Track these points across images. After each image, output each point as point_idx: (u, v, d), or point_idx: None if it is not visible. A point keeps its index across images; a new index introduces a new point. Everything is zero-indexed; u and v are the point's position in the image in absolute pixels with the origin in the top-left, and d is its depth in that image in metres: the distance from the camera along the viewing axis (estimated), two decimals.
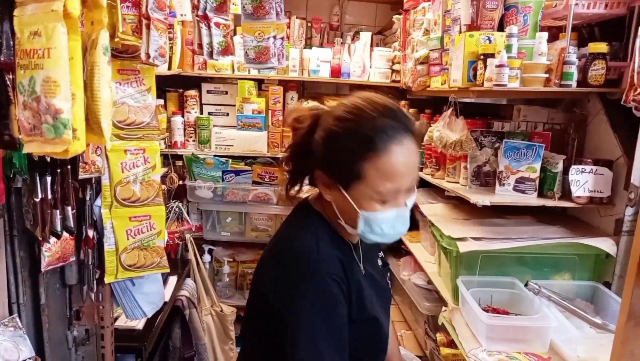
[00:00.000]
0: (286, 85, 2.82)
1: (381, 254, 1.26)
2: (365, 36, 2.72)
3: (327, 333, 0.90)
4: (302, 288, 0.91)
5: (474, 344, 1.47)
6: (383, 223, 0.93)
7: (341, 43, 2.75)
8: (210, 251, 2.90)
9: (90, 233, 1.42)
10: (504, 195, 1.80)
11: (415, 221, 2.65)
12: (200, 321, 2.53)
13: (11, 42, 0.69)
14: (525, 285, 1.58)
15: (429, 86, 2.29)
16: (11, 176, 1.06)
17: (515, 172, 1.82)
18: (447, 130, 1.88)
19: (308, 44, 2.90)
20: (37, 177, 1.10)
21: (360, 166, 0.90)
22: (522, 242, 1.66)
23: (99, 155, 1.30)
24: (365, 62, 2.71)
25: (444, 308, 1.74)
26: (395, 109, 0.93)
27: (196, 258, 2.66)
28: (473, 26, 1.79)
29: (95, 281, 1.50)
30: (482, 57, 1.69)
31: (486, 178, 1.93)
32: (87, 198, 1.40)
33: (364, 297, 1.01)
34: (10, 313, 1.35)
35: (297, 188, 1.09)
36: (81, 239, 1.43)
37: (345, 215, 0.97)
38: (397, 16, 2.63)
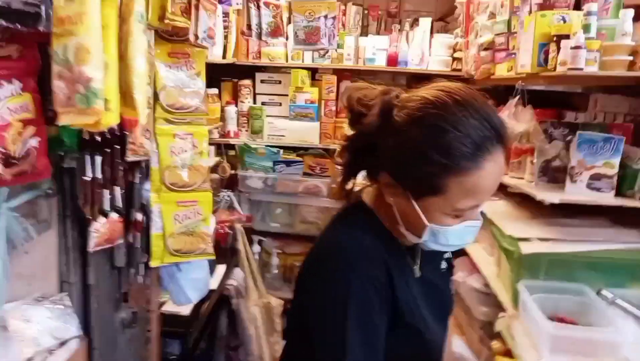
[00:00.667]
0: (340, 74, 2.74)
1: (448, 255, 1.10)
2: (425, 23, 2.59)
3: (359, 339, 0.82)
4: (337, 289, 0.83)
5: (535, 355, 1.33)
6: (451, 235, 0.84)
7: (399, 30, 2.64)
8: (259, 242, 2.89)
9: (139, 216, 1.43)
10: (576, 193, 1.62)
11: None
12: (247, 312, 2.52)
13: (50, 12, 0.67)
14: (597, 294, 1.41)
15: (493, 74, 2.13)
16: (62, 155, 1.07)
17: (590, 168, 1.63)
18: (512, 120, 1.73)
19: (364, 32, 2.80)
20: (87, 157, 1.10)
21: (442, 180, 0.77)
22: (596, 245, 1.49)
23: (147, 138, 1.29)
24: (425, 50, 2.58)
25: (501, 314, 1.60)
26: (491, 113, 0.78)
27: (245, 249, 2.66)
28: (546, 5, 1.63)
29: (143, 266, 1.50)
30: (555, 39, 1.53)
31: (555, 174, 1.75)
32: (137, 181, 1.40)
33: (414, 306, 0.91)
34: (61, 291, 1.38)
35: (350, 183, 0.96)
36: (130, 222, 1.43)
37: (407, 222, 0.87)
38: (460, 0, 2.48)
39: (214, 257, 1.52)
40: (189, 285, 1.60)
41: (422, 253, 0.96)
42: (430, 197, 0.80)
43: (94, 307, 1.43)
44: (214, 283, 2.22)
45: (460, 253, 2.48)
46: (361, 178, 0.98)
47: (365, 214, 0.93)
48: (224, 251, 2.61)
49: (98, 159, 1.11)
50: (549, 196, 1.56)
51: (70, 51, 0.58)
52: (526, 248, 1.46)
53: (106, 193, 1.15)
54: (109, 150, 1.13)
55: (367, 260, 0.85)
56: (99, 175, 1.13)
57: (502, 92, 2.35)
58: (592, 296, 1.45)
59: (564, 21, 1.54)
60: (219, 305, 2.37)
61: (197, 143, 1.45)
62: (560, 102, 2.11)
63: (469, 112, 0.75)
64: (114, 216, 1.23)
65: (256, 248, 2.87)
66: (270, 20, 1.23)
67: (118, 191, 1.19)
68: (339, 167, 0.97)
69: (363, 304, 0.82)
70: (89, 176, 1.11)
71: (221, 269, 2.40)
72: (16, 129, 0.74)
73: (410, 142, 0.79)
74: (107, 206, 1.17)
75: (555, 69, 1.52)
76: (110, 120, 0.60)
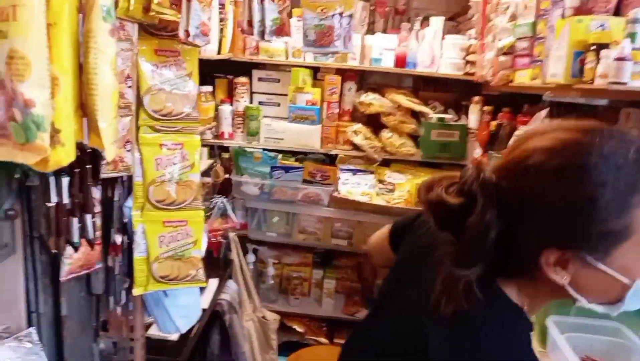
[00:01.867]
0: (344, 74, 2.56)
1: None
2: (437, 22, 2.41)
3: None
4: None
5: None
6: None
7: (409, 29, 2.46)
8: (254, 251, 2.72)
9: (119, 238, 1.25)
10: None
11: None
12: (241, 328, 2.35)
13: None
14: None
15: (512, 81, 1.96)
16: (17, 175, 0.89)
17: None
18: None
19: (370, 30, 2.62)
20: (52, 179, 0.91)
21: (630, 216, 0.61)
22: None
23: (128, 150, 1.11)
24: (436, 51, 2.41)
25: None
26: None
27: (239, 259, 2.48)
28: (582, 10, 1.46)
29: (123, 292, 1.33)
30: (593, 47, 1.37)
31: None
32: (116, 197, 1.22)
33: None
34: (29, 323, 1.20)
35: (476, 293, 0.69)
36: (108, 244, 1.26)
37: (592, 294, 0.68)
38: (475, 0, 2.30)
39: (205, 284, 1.35)
40: (177, 312, 1.43)
41: None
42: (622, 245, 0.62)
43: (68, 341, 1.26)
44: (205, 300, 2.04)
45: None
46: None
47: (512, 312, 0.71)
48: (217, 263, 2.44)
49: (64, 181, 0.93)
50: None
51: (1, 60, 0.40)
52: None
53: (74, 222, 0.97)
54: (77, 170, 0.94)
55: None
56: (67, 200, 0.94)
57: (520, 99, 2.20)
58: (630, 336, 1.30)
59: (603, 28, 1.38)
60: (211, 322, 2.20)
61: (187, 155, 1.27)
62: (584, 115, 1.95)
63: (609, 133, 0.63)
64: (85, 246, 1.05)
65: (251, 257, 2.70)
66: (276, 17, 1.05)
67: (89, 218, 1.01)
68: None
69: None
70: (53, 201, 0.92)
71: (213, 283, 2.22)
72: None
73: (555, 198, 0.63)
74: (75, 237, 0.99)
75: (593, 81, 1.35)
76: (62, 158, 0.43)
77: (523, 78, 1.86)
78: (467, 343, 0.69)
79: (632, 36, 1.29)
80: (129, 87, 1.05)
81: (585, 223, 0.62)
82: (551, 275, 0.65)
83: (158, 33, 1.12)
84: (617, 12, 1.43)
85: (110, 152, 0.47)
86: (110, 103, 0.46)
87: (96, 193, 1.09)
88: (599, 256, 0.63)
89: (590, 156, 0.62)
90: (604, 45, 1.34)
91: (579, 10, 1.48)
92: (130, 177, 1.23)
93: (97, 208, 1.14)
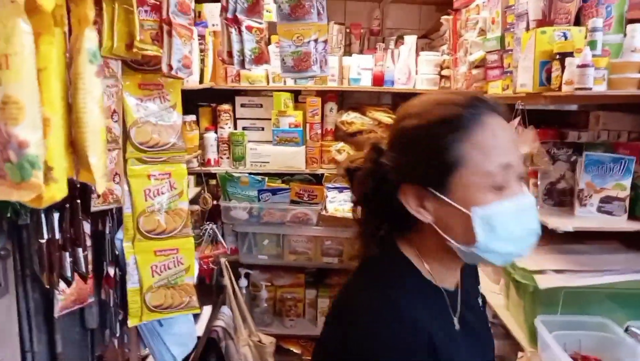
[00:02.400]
0: (325, 95, 2.62)
1: (479, 288, 0.98)
2: (410, 40, 2.50)
3: None
4: (379, 349, 0.71)
5: None
6: (507, 218, 0.72)
7: (384, 49, 2.54)
8: (246, 276, 2.72)
9: (111, 270, 1.26)
10: (587, 218, 1.52)
11: None
12: (237, 353, 2.34)
13: None
14: (625, 330, 1.29)
15: (486, 92, 2.03)
16: (8, 214, 0.90)
17: (600, 191, 1.54)
18: None
19: (347, 51, 2.70)
20: (43, 215, 0.93)
21: (457, 149, 0.72)
22: (616, 276, 1.38)
23: (117, 183, 1.13)
24: (411, 68, 2.48)
25: (520, 354, 1.47)
26: (472, 93, 0.83)
27: (232, 284, 2.48)
28: (545, 22, 1.54)
29: (118, 324, 1.33)
30: (558, 56, 1.44)
31: (561, 197, 1.65)
32: (107, 230, 1.24)
33: (460, 358, 0.79)
34: None
35: (374, 241, 0.85)
36: (101, 277, 1.27)
37: (454, 232, 0.75)
38: (445, 17, 2.39)
39: (199, 310, 1.36)
40: (173, 341, 1.43)
41: (461, 302, 0.85)
42: (454, 178, 0.72)
43: None
44: (199, 328, 2.04)
45: None
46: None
47: (403, 268, 0.81)
48: (209, 289, 2.43)
49: (55, 217, 0.95)
50: (560, 222, 1.46)
51: None
52: (543, 282, 1.34)
53: (66, 256, 0.98)
54: (67, 205, 0.96)
55: (405, 333, 0.72)
56: (58, 235, 0.96)
57: None
58: (616, 330, 1.33)
59: (565, 38, 1.45)
60: (207, 350, 2.19)
61: (175, 184, 1.30)
62: (556, 120, 2.02)
63: (455, 96, 0.77)
64: (78, 280, 1.06)
65: (243, 282, 2.70)
66: (254, 47, 1.09)
67: (80, 252, 1.02)
68: (362, 229, 0.87)
69: None
70: (44, 237, 0.94)
71: (207, 310, 2.22)
72: None
73: (410, 134, 0.77)
74: (68, 271, 1.00)
75: (560, 88, 1.42)
76: (55, 193, 0.46)
77: (495, 89, 1.93)
78: (346, 290, 0.82)
79: (592, 44, 1.37)
80: (116, 121, 1.08)
81: (425, 159, 0.74)
82: (417, 216, 0.76)
83: (141, 68, 1.15)
84: (577, 21, 1.51)
85: (100, 185, 0.50)
86: (99, 139, 0.49)
87: (87, 226, 1.10)
88: (442, 189, 0.73)
89: (427, 113, 0.76)
90: (568, 54, 1.41)
91: (542, 22, 1.55)
92: (120, 210, 1.25)
93: (88, 242, 1.16)
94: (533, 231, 0.75)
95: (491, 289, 1.93)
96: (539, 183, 1.65)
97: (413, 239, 0.82)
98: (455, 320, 0.82)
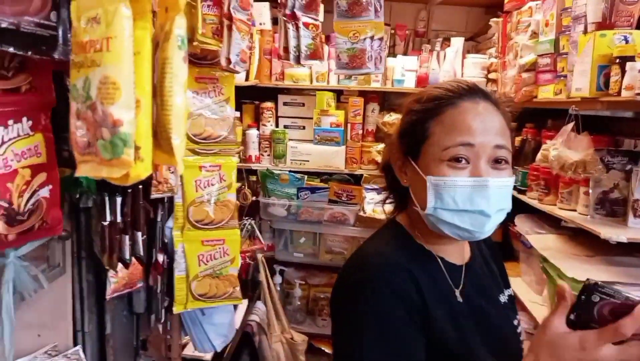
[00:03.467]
0: (367, 96, 2.62)
1: (509, 292, 1.01)
2: (457, 42, 2.47)
3: (379, 351, 0.76)
4: (356, 301, 0.81)
5: None
6: (457, 192, 0.79)
7: (429, 50, 2.51)
8: (281, 272, 2.74)
9: (160, 257, 1.29)
10: None
11: (512, 251, 2.33)
12: (270, 349, 2.36)
13: (69, 35, 0.55)
14: None
15: (535, 96, 1.99)
16: (78, 196, 0.94)
17: None
18: (566, 149, 1.58)
19: (391, 52, 2.69)
20: (107, 198, 0.97)
21: (427, 124, 0.84)
22: None
23: (172, 172, 1.17)
24: (457, 70, 2.45)
25: None
26: (466, 81, 0.89)
27: (267, 280, 2.51)
28: (605, 24, 1.49)
29: (163, 310, 1.36)
30: (618, 60, 1.39)
31: (614, 207, 1.59)
32: (159, 218, 1.27)
33: (454, 330, 0.81)
34: (75, 342, 1.24)
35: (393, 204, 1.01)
36: (150, 263, 1.30)
37: (420, 198, 0.85)
38: (495, 19, 2.35)
39: (241, 302, 1.38)
40: (213, 331, 1.46)
41: (468, 277, 0.90)
42: (423, 149, 0.84)
43: (111, 359, 1.29)
44: (235, 321, 2.07)
45: None
46: None
47: (393, 228, 0.93)
48: (245, 284, 2.46)
49: (118, 200, 0.98)
50: (613, 233, 1.41)
51: (93, 86, 0.45)
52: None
53: (126, 239, 1.02)
54: (130, 190, 1.00)
55: (389, 271, 0.82)
56: (119, 219, 0.99)
57: (543, 114, 2.21)
58: None
59: (627, 41, 1.40)
60: (241, 343, 2.22)
61: (225, 176, 1.32)
62: (609, 127, 1.95)
63: (455, 82, 0.88)
64: (134, 262, 1.09)
65: (277, 278, 2.72)
66: (310, 42, 1.11)
67: (139, 236, 1.06)
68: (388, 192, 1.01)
69: (383, 315, 0.78)
70: (107, 220, 0.98)
71: (243, 304, 2.25)
72: (24, 178, 0.61)
73: (407, 111, 0.90)
74: (127, 254, 1.04)
75: (619, 93, 1.37)
76: (142, 172, 0.48)
77: (546, 93, 1.88)
78: (359, 252, 0.91)
79: None
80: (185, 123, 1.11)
81: (408, 130, 0.87)
82: (400, 179, 0.89)
83: (198, 62, 1.18)
84: (639, 25, 1.46)
85: (181, 166, 0.51)
86: (182, 121, 0.51)
87: (143, 216, 1.14)
88: (414, 156, 0.85)
89: (423, 94, 0.89)
90: (629, 58, 1.36)
91: (601, 25, 1.50)
92: (171, 199, 1.28)
93: (145, 228, 1.19)
94: (484, 212, 0.80)
95: (532, 300, 1.88)
96: (590, 191, 1.60)
97: (408, 210, 0.92)
98: (457, 292, 0.86)
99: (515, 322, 0.96)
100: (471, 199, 0.79)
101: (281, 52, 1.21)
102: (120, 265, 1.04)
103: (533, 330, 1.85)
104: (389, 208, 1.01)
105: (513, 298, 1.01)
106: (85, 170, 0.49)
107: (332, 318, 0.88)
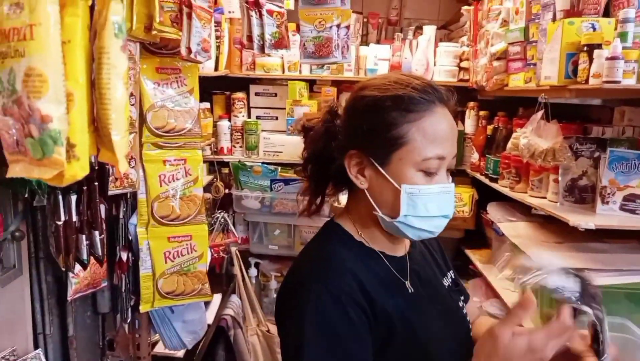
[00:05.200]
0: (340, 86, 2.58)
1: (451, 273, 1.05)
2: (430, 30, 2.45)
3: (317, 352, 0.77)
4: (296, 302, 0.81)
5: None
6: (429, 200, 0.81)
7: (402, 39, 2.49)
8: (256, 265, 2.71)
9: (124, 255, 1.25)
10: (609, 216, 1.48)
11: (485, 238, 2.35)
12: (245, 343, 2.34)
13: None
14: None
15: (506, 85, 1.99)
16: (26, 194, 0.89)
17: (623, 188, 1.49)
18: (536, 137, 1.59)
19: (364, 41, 2.66)
20: (60, 197, 0.92)
21: (404, 129, 0.80)
22: (637, 276, 1.34)
23: (133, 167, 1.12)
24: (430, 59, 2.44)
25: None
26: (429, 81, 0.85)
27: (242, 273, 2.48)
28: (572, 12, 1.49)
29: (129, 310, 1.32)
30: (586, 48, 1.39)
31: (582, 194, 1.61)
32: (121, 215, 1.23)
33: (407, 322, 0.83)
34: (36, 345, 1.20)
35: (319, 200, 0.96)
36: (114, 262, 1.26)
37: (382, 203, 0.84)
38: (466, 7, 2.34)
39: (211, 298, 1.35)
40: (183, 328, 1.42)
41: (411, 269, 0.91)
42: (395, 155, 0.80)
43: None
44: (209, 316, 2.03)
45: (472, 274, 2.33)
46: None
47: (333, 229, 0.91)
48: (219, 278, 2.43)
49: (73, 199, 0.93)
50: (582, 220, 1.42)
51: (18, 78, 0.41)
52: None
53: (83, 239, 0.97)
54: (85, 187, 0.95)
55: (330, 270, 0.82)
56: (75, 218, 0.94)
57: (514, 103, 2.22)
58: (635, 331, 1.30)
59: (594, 29, 1.41)
60: (216, 338, 2.19)
61: (190, 170, 1.28)
62: (578, 115, 1.97)
63: (411, 78, 0.83)
64: (93, 262, 1.05)
65: (253, 271, 2.69)
66: (274, 31, 1.07)
67: (97, 235, 1.01)
68: (307, 184, 0.96)
69: (323, 315, 0.78)
70: (61, 219, 0.93)
71: (217, 298, 2.21)
72: None
73: (366, 103, 0.82)
74: (84, 254, 0.99)
75: (587, 81, 1.37)
76: (77, 172, 0.44)
77: (517, 82, 1.88)
78: (298, 259, 0.90)
79: (622, 36, 1.32)
80: (132, 105, 1.06)
81: (375, 130, 0.81)
82: (354, 181, 0.84)
83: (159, 51, 1.13)
84: (607, 12, 1.46)
85: (123, 164, 0.48)
86: (122, 116, 0.47)
87: (101, 210, 1.09)
88: (381, 162, 0.81)
89: (385, 88, 0.82)
90: (596, 46, 1.37)
91: (569, 13, 1.51)
92: (134, 195, 1.23)
93: (103, 226, 1.14)
94: (447, 216, 0.84)
95: (504, 286, 1.91)
96: (560, 178, 1.61)
97: (350, 208, 0.90)
98: (407, 283, 0.88)
99: (461, 304, 1.00)
100: (440, 205, 0.82)
101: (245, 40, 1.17)
102: (77, 266, 0.99)
103: (504, 315, 1.87)
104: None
105: (456, 280, 1.05)
106: (16, 171, 0.45)
107: (277, 326, 0.87)
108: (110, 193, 1.04)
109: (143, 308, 1.28)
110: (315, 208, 0.95)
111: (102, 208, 1.04)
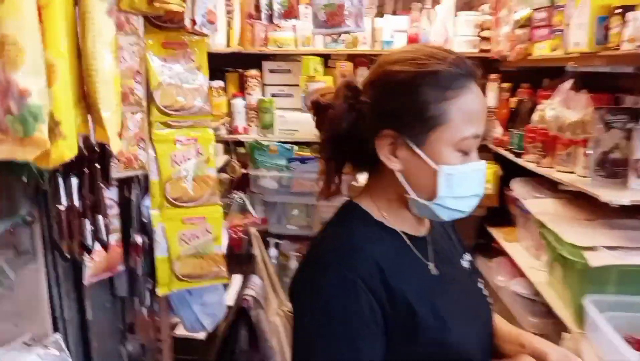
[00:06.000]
0: (355, 60, 2.50)
1: (468, 257, 1.00)
2: None
3: (329, 337, 0.75)
4: (310, 287, 0.78)
5: None
6: (464, 180, 0.79)
7: (419, 9, 2.38)
8: (276, 246, 2.69)
9: (139, 238, 1.23)
10: None
11: (509, 215, 2.27)
12: (267, 323, 2.34)
13: None
14: None
15: (530, 54, 1.89)
16: (24, 178, 0.86)
17: None
18: (564, 108, 1.50)
19: (380, 13, 2.55)
20: (60, 180, 0.89)
21: (442, 107, 0.75)
22: None
23: (142, 148, 1.09)
24: (449, 29, 2.33)
25: (565, 335, 1.38)
26: (461, 55, 0.79)
27: (262, 254, 2.46)
28: None
29: (148, 293, 1.31)
30: (618, 11, 1.29)
31: (614, 168, 1.52)
32: (133, 197, 1.20)
33: (427, 304, 0.80)
34: (55, 329, 1.19)
35: (337, 180, 0.89)
36: (129, 245, 1.24)
37: (417, 184, 0.79)
38: None
39: (228, 281, 1.32)
40: (203, 311, 1.42)
41: (433, 250, 0.87)
42: (433, 134, 0.76)
43: (94, 345, 1.25)
44: (230, 297, 2.03)
45: (495, 252, 2.26)
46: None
47: (353, 211, 0.85)
48: (239, 259, 2.42)
49: (74, 182, 0.90)
50: (614, 195, 1.35)
51: None
52: (595, 260, 1.24)
53: (87, 224, 0.95)
54: (86, 170, 0.92)
55: (348, 253, 0.78)
56: (77, 202, 0.92)
57: (539, 73, 2.12)
58: None
59: None
60: (237, 319, 2.19)
61: (202, 149, 1.25)
62: (609, 84, 1.86)
63: (443, 52, 0.77)
64: (112, 240, 1.03)
65: (273, 252, 2.67)
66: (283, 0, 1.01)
67: (101, 220, 0.98)
68: (325, 166, 0.89)
69: (336, 298, 0.76)
70: (63, 204, 0.90)
71: (237, 279, 2.21)
72: None
73: (398, 80, 0.77)
74: (88, 240, 0.97)
75: (619, 46, 1.28)
76: (65, 151, 0.40)
77: (543, 50, 1.78)
78: (316, 239, 0.85)
79: None
80: (139, 82, 1.02)
81: (412, 108, 0.75)
82: (386, 162, 0.78)
83: (164, 25, 1.09)
84: None
85: (115, 143, 0.44)
86: (112, 90, 0.43)
87: (113, 193, 1.07)
88: (417, 142, 0.76)
89: (418, 63, 0.76)
90: (630, 8, 1.27)
91: None
92: (146, 176, 1.21)
93: (115, 209, 1.12)
94: (479, 195, 0.81)
95: (531, 265, 1.84)
96: (590, 152, 1.53)
97: (370, 183, 0.85)
98: (431, 266, 0.84)
99: (481, 285, 0.95)
100: (473, 185, 0.80)
101: (252, 11, 1.11)
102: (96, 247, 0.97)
103: (531, 295, 1.82)
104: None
105: (473, 262, 1.00)
106: (0, 152, 0.42)
107: (293, 310, 0.84)
108: (118, 175, 1.01)
109: (160, 291, 1.27)
110: (335, 189, 0.89)
111: (109, 191, 1.01)
